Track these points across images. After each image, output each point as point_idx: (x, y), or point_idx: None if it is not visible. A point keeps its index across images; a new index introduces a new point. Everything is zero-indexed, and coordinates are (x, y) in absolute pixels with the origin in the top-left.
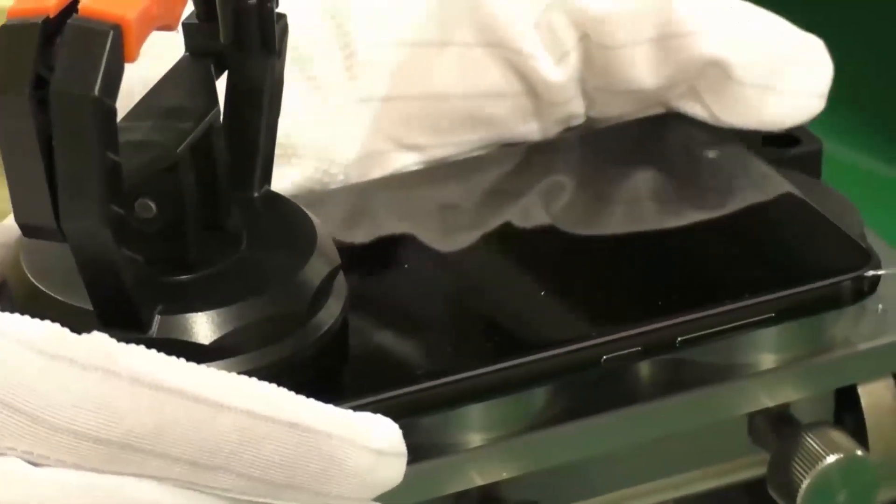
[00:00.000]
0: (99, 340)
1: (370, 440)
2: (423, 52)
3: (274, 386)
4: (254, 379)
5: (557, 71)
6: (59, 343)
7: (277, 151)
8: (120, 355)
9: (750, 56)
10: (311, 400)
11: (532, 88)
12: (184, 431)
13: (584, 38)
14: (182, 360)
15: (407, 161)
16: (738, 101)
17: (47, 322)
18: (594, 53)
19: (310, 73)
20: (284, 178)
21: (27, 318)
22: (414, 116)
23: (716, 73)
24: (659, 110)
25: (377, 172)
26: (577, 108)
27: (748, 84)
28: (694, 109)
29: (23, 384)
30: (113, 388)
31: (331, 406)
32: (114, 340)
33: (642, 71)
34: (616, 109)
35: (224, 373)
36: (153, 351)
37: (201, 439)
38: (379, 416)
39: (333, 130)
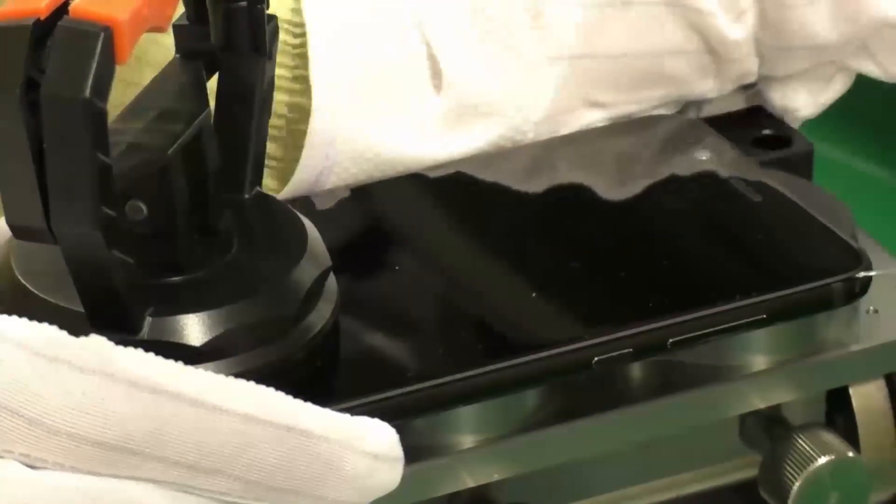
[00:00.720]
0: (97, 343)
1: (367, 444)
2: (606, 11)
3: (271, 390)
4: (251, 382)
5: (735, 28)
6: (57, 346)
7: (472, 110)
8: (118, 358)
9: None
10: (309, 404)
11: (710, 46)
12: (181, 434)
13: None
14: (180, 363)
15: (593, 118)
16: None
17: (45, 325)
18: (771, 11)
19: (500, 35)
20: (478, 137)
21: (25, 320)
22: (599, 74)
23: (890, 29)
24: (830, 69)
25: (564, 130)
26: (751, 66)
27: None
28: (866, 66)
29: (21, 387)
30: (111, 391)
31: (328, 410)
32: (112, 343)
33: (819, 29)
34: (787, 67)
35: (222, 376)
36: (151, 354)
37: (199, 442)
38: (376, 420)
39: (524, 89)
